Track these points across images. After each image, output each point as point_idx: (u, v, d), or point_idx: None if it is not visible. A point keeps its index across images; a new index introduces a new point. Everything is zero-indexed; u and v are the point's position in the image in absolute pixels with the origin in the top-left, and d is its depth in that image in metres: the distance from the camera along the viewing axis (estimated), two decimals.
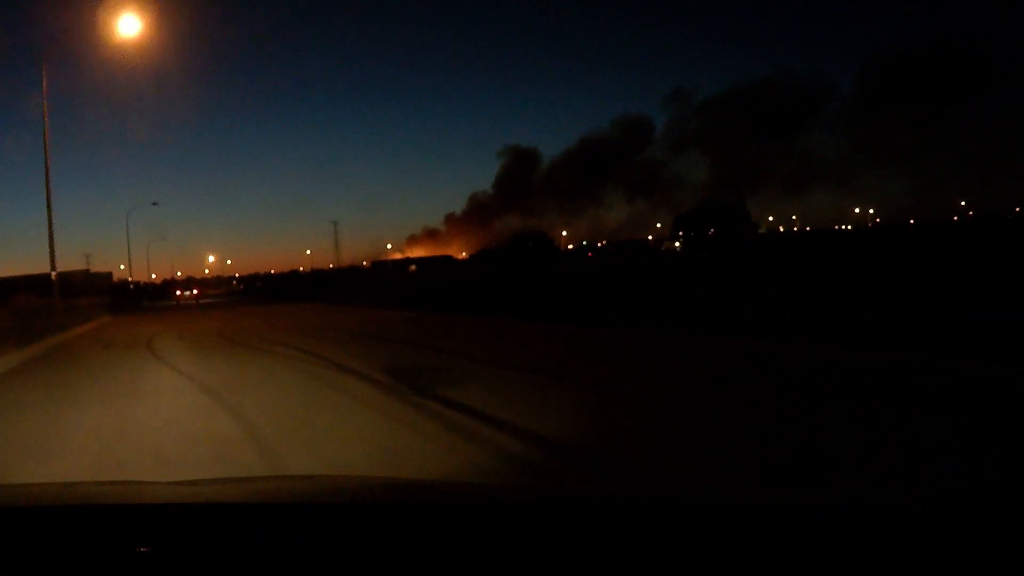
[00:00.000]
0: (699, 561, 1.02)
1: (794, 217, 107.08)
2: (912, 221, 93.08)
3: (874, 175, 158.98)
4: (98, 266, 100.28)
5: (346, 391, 7.42)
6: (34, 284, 37.66)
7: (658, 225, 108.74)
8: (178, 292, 62.23)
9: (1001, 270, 15.24)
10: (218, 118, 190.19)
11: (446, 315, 18.91)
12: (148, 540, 1.11)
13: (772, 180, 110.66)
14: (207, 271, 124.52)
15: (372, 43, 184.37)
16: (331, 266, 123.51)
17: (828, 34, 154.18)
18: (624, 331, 11.83)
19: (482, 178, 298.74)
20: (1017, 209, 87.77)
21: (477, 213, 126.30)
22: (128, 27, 22.18)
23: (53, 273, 27.49)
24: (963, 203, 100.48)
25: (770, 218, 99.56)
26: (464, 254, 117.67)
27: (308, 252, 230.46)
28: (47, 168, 26.41)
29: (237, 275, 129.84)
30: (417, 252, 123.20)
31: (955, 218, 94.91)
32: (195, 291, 63.29)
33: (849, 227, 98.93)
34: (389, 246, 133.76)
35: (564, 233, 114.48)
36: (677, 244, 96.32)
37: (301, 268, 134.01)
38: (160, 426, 6.11)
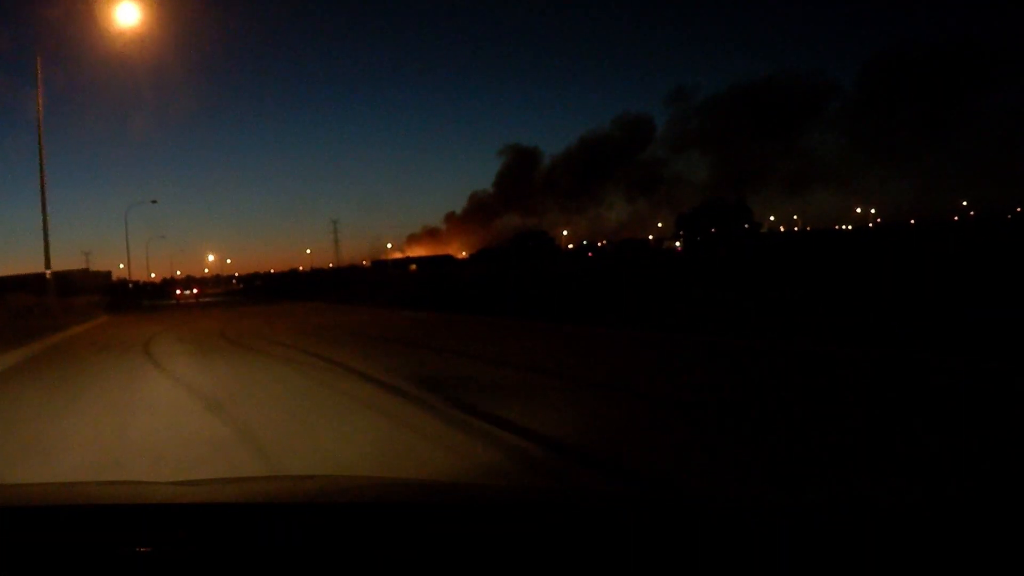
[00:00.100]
0: (699, 561, 1.00)
1: (795, 217, 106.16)
2: (912, 221, 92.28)
3: (875, 175, 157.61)
4: (97, 265, 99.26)
5: (374, 406, 6.31)
6: (30, 283, 36.53)
7: (659, 225, 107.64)
8: (178, 291, 61.33)
9: (1000, 270, 15.15)
10: (218, 117, 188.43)
11: (453, 315, 18.09)
12: (148, 540, 1.09)
13: (773, 180, 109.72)
14: (207, 270, 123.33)
15: (372, 42, 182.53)
16: (331, 265, 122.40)
17: (829, 33, 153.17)
18: (644, 332, 11.25)
19: (482, 177, 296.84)
20: (1018, 209, 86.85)
21: (477, 212, 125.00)
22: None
23: (48, 271, 26.32)
24: (964, 203, 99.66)
25: (771, 218, 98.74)
26: (464, 253, 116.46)
27: (308, 251, 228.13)
28: (41, 164, 25.26)
29: (237, 274, 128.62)
30: (417, 251, 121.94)
31: (955, 218, 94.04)
32: (195, 290, 62.45)
33: (849, 227, 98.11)
34: (389, 245, 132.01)
35: (565, 233, 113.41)
36: (677, 244, 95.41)
37: (301, 267, 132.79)
38: (155, 456, 4.95)
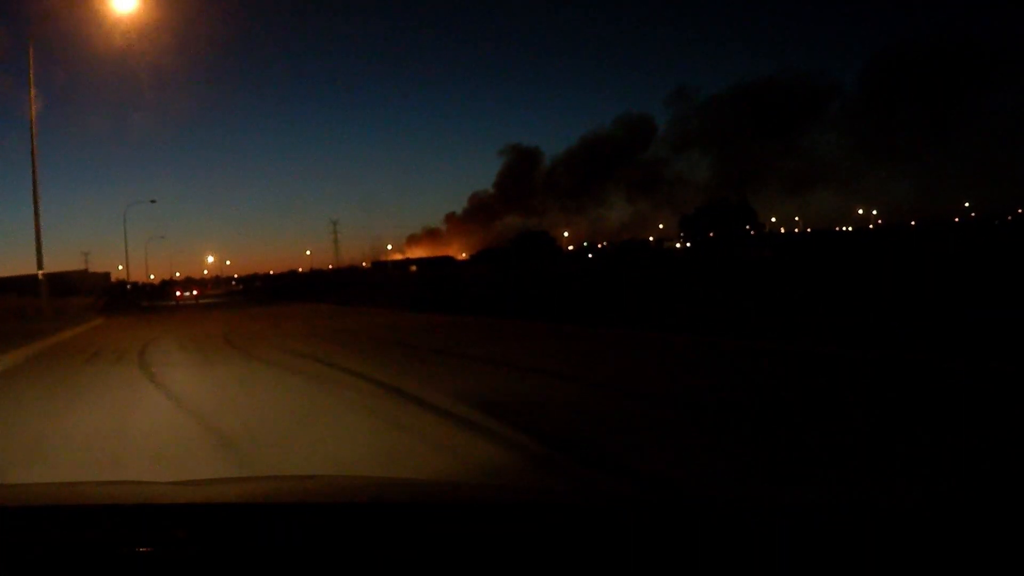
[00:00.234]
0: (699, 561, 1.00)
1: (797, 218, 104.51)
2: (913, 223, 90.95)
3: (877, 175, 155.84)
4: (96, 266, 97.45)
5: (457, 454, 4.53)
6: (25, 285, 34.72)
7: (660, 226, 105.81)
8: (178, 292, 59.60)
9: (1000, 271, 15.03)
10: (218, 117, 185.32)
11: (465, 318, 16.73)
12: (148, 540, 1.09)
13: (774, 180, 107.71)
14: (206, 271, 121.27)
15: (372, 42, 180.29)
16: (330, 267, 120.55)
17: (830, 34, 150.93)
18: (672, 335, 10.42)
19: (483, 177, 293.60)
20: (1020, 210, 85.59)
21: (478, 213, 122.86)
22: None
23: (40, 272, 24.55)
24: (967, 204, 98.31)
25: (772, 219, 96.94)
26: (464, 254, 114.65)
27: (308, 252, 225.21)
28: (33, 159, 23.54)
29: (236, 275, 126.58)
30: (417, 252, 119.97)
31: (956, 219, 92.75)
32: (195, 291, 60.73)
33: (850, 228, 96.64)
34: (389, 247, 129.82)
35: (566, 233, 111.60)
36: (678, 244, 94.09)
37: (300, 268, 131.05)
38: None
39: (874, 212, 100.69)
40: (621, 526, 1.14)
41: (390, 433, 5.32)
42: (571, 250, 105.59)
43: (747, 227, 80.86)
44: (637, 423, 5.13)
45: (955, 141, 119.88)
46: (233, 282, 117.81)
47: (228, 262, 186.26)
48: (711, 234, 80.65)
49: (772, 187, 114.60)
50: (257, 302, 41.55)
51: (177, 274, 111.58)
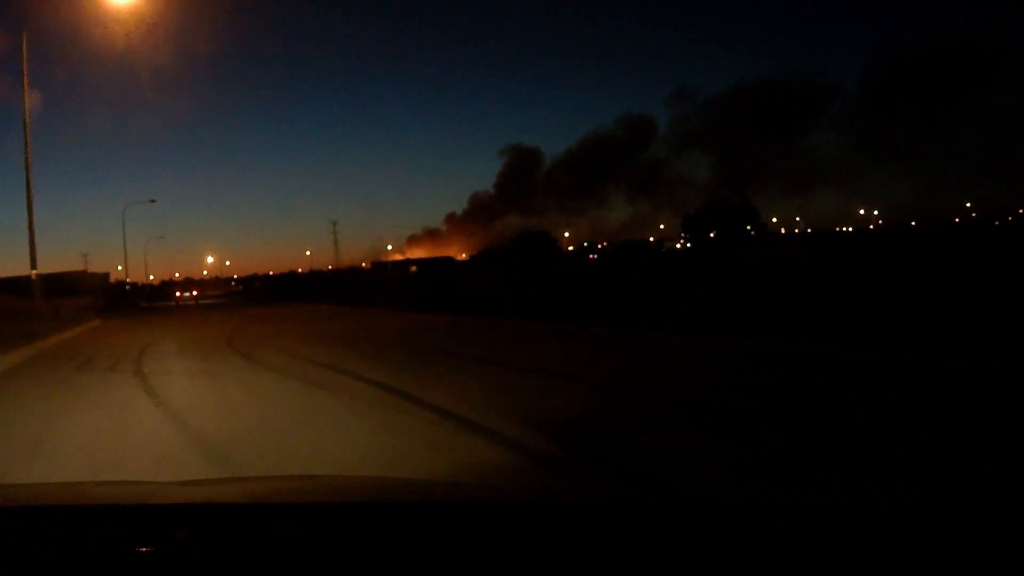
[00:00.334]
0: (699, 561, 0.99)
1: (798, 219, 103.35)
2: (913, 223, 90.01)
3: (879, 175, 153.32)
4: (96, 267, 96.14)
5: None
6: (21, 285, 33.47)
7: (661, 227, 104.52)
8: (177, 293, 58.41)
9: (1000, 271, 14.99)
10: (217, 117, 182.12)
11: (479, 319, 15.84)
12: (148, 540, 1.08)
13: (775, 180, 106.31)
14: (205, 272, 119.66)
15: (372, 42, 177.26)
16: (329, 267, 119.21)
17: (831, 33, 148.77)
18: (691, 336, 9.84)
19: (483, 178, 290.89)
20: (1020, 211, 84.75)
21: (478, 213, 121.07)
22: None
23: (33, 272, 23.39)
24: (968, 204, 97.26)
25: (773, 219, 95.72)
26: (464, 255, 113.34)
27: (307, 253, 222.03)
28: (27, 154, 22.39)
29: (235, 276, 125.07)
30: (417, 253, 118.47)
31: (956, 220, 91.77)
32: (195, 292, 59.57)
33: (850, 228, 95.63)
34: (389, 247, 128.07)
35: (567, 234, 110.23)
36: (678, 245, 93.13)
37: (300, 269, 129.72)
38: None
39: (875, 212, 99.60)
40: (621, 526, 1.13)
41: (435, 462, 4.24)
42: (571, 250, 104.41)
43: (748, 227, 79.89)
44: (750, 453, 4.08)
45: (956, 141, 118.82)
46: (232, 282, 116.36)
47: (228, 262, 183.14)
48: (712, 234, 79.73)
49: (773, 187, 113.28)
50: (257, 303, 40.36)
51: (176, 274, 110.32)
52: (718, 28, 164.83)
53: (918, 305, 10.77)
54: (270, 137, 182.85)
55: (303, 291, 52.03)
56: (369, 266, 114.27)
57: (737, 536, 1.06)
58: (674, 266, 42.18)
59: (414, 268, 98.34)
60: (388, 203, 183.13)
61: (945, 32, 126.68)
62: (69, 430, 6.00)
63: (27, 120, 21.37)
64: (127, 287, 65.92)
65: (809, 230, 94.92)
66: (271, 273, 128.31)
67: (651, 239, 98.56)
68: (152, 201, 62.43)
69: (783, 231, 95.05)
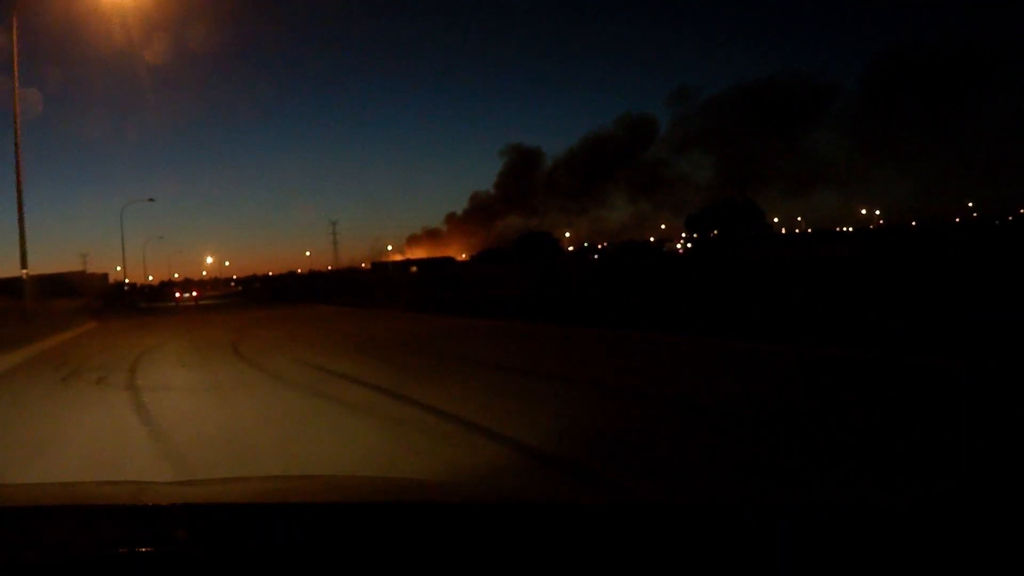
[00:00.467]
0: (699, 561, 0.97)
1: (799, 219, 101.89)
2: (914, 223, 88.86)
3: (880, 175, 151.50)
4: (95, 267, 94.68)
5: None
6: (16, 286, 31.93)
7: (663, 227, 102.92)
8: (177, 294, 56.89)
9: (999, 271, 14.64)
10: (217, 117, 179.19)
11: (490, 322, 14.82)
12: (148, 540, 1.06)
13: (776, 180, 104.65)
14: (204, 272, 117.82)
15: (372, 42, 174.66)
16: (329, 268, 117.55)
17: (832, 33, 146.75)
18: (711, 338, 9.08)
19: (484, 178, 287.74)
20: (1021, 211, 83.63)
21: (479, 213, 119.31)
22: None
23: (24, 272, 21.87)
24: (970, 204, 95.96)
25: (775, 219, 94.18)
26: (464, 255, 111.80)
27: (307, 253, 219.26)
28: (17, 148, 20.93)
29: (235, 276, 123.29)
30: (417, 253, 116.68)
31: (957, 220, 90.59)
32: (194, 293, 58.08)
33: (850, 228, 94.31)
34: (390, 247, 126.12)
35: (567, 234, 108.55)
36: (679, 245, 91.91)
37: (299, 270, 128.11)
38: None
39: (877, 212, 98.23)
40: (621, 526, 1.12)
41: None
42: (571, 251, 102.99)
43: (751, 227, 78.61)
44: None
45: (957, 141, 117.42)
46: (232, 283, 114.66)
47: (227, 263, 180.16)
48: (714, 233, 78.49)
49: (774, 187, 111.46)
50: (258, 304, 38.78)
51: (176, 275, 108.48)
52: (719, 28, 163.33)
53: (917, 305, 10.56)
54: (270, 137, 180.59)
55: (303, 292, 50.64)
56: (369, 266, 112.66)
57: (737, 536, 1.03)
58: (684, 267, 41.17)
59: (414, 268, 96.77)
60: (388, 203, 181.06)
61: (946, 32, 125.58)
62: (52, 460, 4.57)
63: (17, 112, 19.92)
64: (125, 287, 64.32)
65: (809, 230, 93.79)
66: (270, 273, 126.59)
67: (651, 239, 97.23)
68: (151, 200, 60.60)
69: (783, 231, 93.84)
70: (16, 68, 19.88)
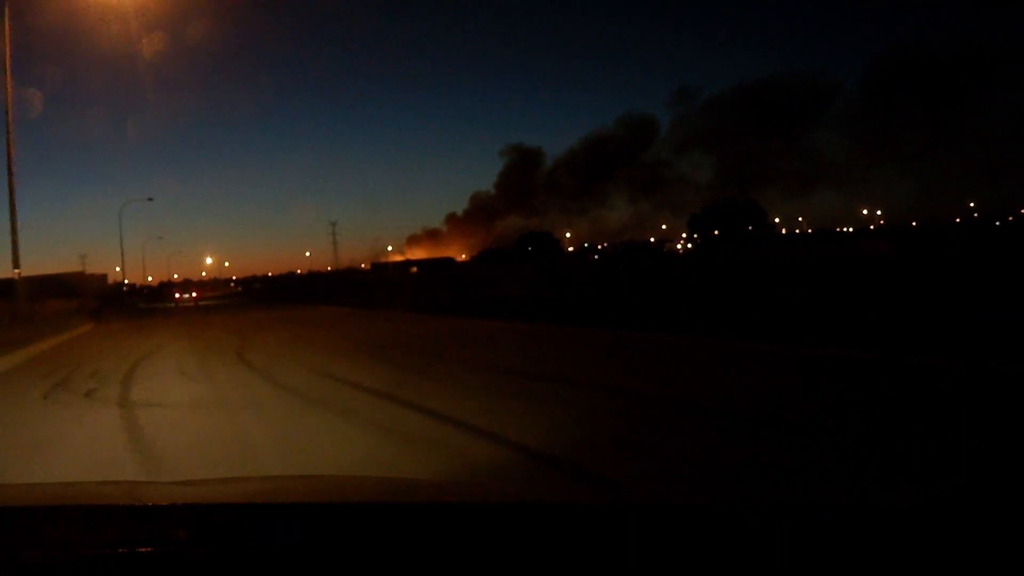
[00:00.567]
0: (699, 561, 0.96)
1: (800, 219, 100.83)
2: (914, 223, 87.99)
3: (881, 175, 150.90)
4: (94, 268, 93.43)
5: None
6: (7, 287, 30.74)
7: (664, 227, 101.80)
8: (177, 295, 55.74)
9: (999, 271, 14.57)
10: (216, 117, 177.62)
11: (517, 324, 13.73)
12: (148, 540, 1.04)
13: (777, 180, 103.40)
14: (204, 273, 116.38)
15: (372, 42, 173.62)
16: (328, 268, 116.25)
17: (833, 33, 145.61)
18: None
19: (484, 178, 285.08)
20: (1022, 211, 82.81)
21: (479, 213, 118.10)
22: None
23: (17, 272, 20.70)
24: (972, 204, 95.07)
25: (776, 219, 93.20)
26: (464, 255, 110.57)
27: (307, 254, 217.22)
28: (9, 141, 19.80)
29: (234, 277, 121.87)
30: (417, 253, 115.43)
31: (957, 220, 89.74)
32: (194, 293, 56.93)
33: (850, 229, 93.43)
34: (390, 248, 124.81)
35: (568, 234, 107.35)
36: (679, 245, 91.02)
37: (299, 270, 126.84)
38: None
39: (878, 212, 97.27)
40: (621, 526, 1.10)
41: None
42: (571, 251, 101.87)
43: (750, 227, 77.65)
44: None
45: (957, 141, 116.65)
46: (231, 283, 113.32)
47: (226, 263, 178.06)
48: (715, 232, 77.55)
49: (774, 187, 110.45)
50: (259, 304, 37.58)
51: (175, 275, 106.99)
52: (720, 28, 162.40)
53: (917, 305, 10.52)
54: (269, 137, 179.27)
55: (304, 292, 49.58)
56: (368, 267, 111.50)
57: (737, 536, 1.03)
58: (685, 267, 40.43)
59: (414, 269, 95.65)
60: (388, 203, 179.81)
61: (946, 32, 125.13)
62: None
63: (9, 109, 18.80)
64: (124, 288, 63.03)
65: (810, 230, 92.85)
66: (270, 274, 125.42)
67: (652, 240, 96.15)
68: (149, 199, 59.08)
69: (784, 232, 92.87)
70: (8, 66, 18.78)
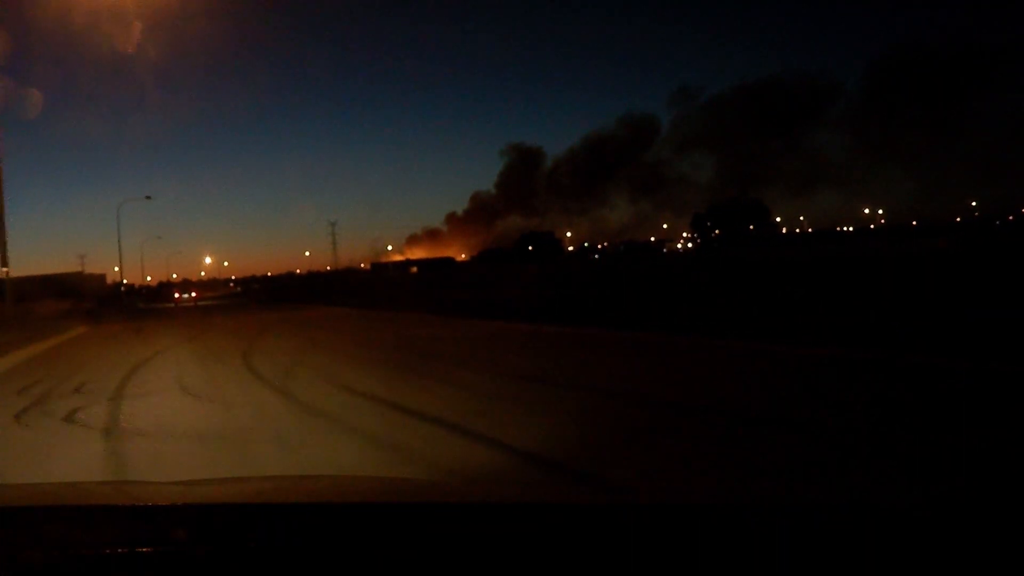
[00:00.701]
0: (699, 561, 0.95)
1: (801, 218, 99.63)
2: (914, 223, 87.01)
3: (882, 175, 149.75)
4: (93, 268, 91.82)
5: None
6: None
7: (664, 226, 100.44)
8: (176, 295, 54.30)
9: (999, 271, 14.45)
10: (216, 117, 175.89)
11: (538, 327, 12.59)
12: (148, 540, 1.03)
13: (778, 180, 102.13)
14: (203, 273, 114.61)
15: (372, 42, 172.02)
16: (328, 268, 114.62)
17: (834, 33, 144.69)
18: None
19: (484, 177, 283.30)
20: (1022, 210, 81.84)
21: (479, 213, 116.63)
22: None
23: (5, 269, 19.21)
24: (973, 203, 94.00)
25: (777, 219, 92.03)
26: (464, 256, 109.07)
27: (307, 254, 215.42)
28: None
29: (234, 277, 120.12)
30: (417, 253, 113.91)
31: (958, 219, 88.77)
32: (194, 293, 55.50)
33: (850, 228, 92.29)
34: (389, 247, 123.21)
35: (568, 234, 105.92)
36: (679, 245, 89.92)
37: (298, 270, 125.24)
38: None
39: (880, 212, 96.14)
40: (621, 526, 1.09)
41: None
42: (572, 251, 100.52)
43: (752, 226, 76.52)
44: None
45: (958, 141, 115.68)
46: (231, 283, 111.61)
47: (226, 263, 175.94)
48: (717, 232, 76.42)
49: (775, 187, 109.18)
50: (260, 305, 36.07)
51: (174, 275, 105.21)
52: (721, 28, 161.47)
53: (917, 305, 10.38)
54: (269, 137, 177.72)
55: (305, 293, 48.28)
56: (368, 267, 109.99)
57: (737, 536, 1.01)
58: (687, 267, 39.40)
59: (415, 269, 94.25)
60: (388, 203, 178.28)
61: (947, 32, 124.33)
62: None
63: None
64: (123, 288, 61.35)
65: (811, 230, 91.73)
66: (269, 274, 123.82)
67: (652, 239, 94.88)
68: (148, 198, 57.08)
69: (784, 231, 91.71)
70: None
